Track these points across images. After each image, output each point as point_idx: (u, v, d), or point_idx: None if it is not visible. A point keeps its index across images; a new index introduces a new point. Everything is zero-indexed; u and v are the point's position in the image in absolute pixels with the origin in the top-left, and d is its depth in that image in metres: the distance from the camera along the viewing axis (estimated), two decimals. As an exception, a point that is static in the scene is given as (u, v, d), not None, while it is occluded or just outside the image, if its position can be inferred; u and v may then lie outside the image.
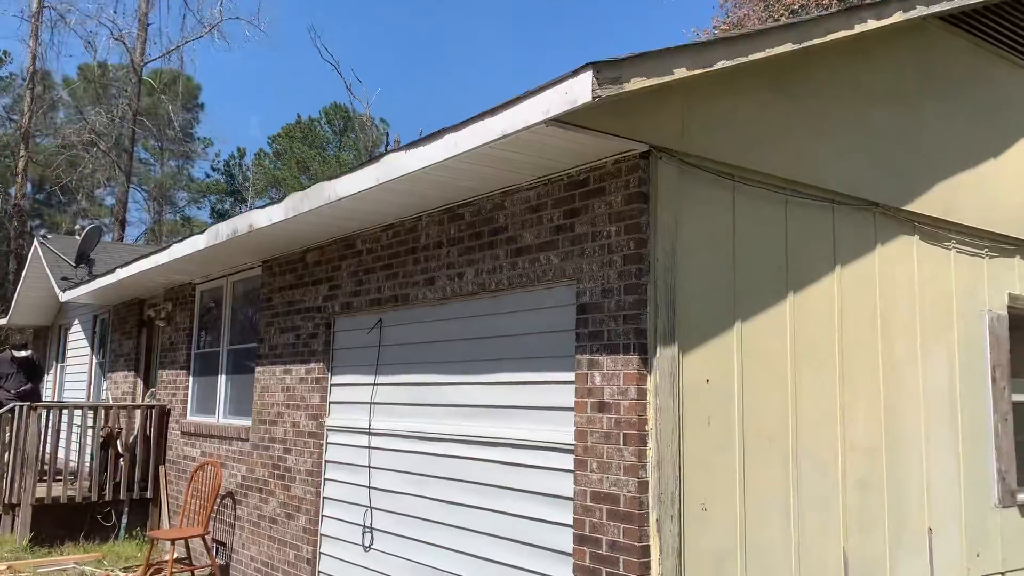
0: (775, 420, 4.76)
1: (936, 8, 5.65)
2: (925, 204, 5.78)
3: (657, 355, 4.26)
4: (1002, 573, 5.95)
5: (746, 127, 4.82)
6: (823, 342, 5.09)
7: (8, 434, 9.79)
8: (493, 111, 4.22)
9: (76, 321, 15.59)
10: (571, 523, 4.51)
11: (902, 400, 5.50)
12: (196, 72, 54.73)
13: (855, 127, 5.46)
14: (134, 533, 9.88)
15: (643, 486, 4.16)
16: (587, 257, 4.61)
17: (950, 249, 6.01)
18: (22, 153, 31.32)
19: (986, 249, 6.27)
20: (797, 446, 4.83)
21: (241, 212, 7.19)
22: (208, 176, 50.19)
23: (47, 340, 18.40)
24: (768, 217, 4.92)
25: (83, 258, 13.90)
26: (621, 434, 4.27)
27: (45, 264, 14.62)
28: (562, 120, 3.96)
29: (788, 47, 4.51)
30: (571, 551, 4.48)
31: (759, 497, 4.61)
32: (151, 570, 8.07)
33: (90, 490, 9.73)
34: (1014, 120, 6.64)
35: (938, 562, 5.50)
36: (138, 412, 10.28)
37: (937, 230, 5.90)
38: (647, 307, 4.28)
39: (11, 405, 9.96)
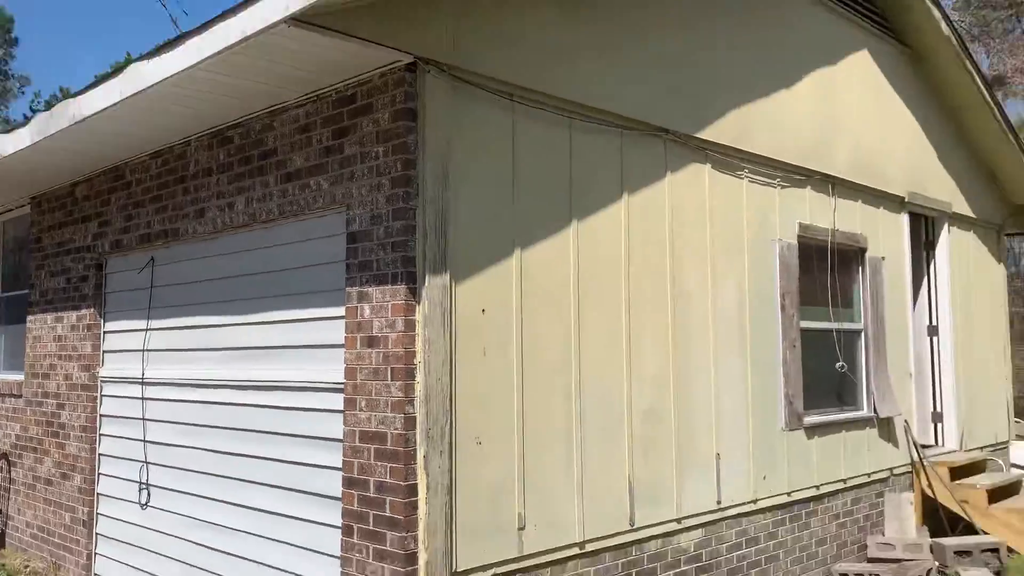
0: (558, 350, 4.62)
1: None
2: (717, 132, 5.76)
3: (427, 284, 3.98)
4: (788, 493, 6.18)
5: (528, 45, 4.55)
6: (610, 271, 4.98)
7: None
8: (235, 10, 3.74)
9: None
10: (341, 466, 4.21)
11: (692, 329, 5.51)
12: (2, -1, 49.14)
13: (647, 51, 5.32)
14: (-99, 505, 8.83)
15: (410, 422, 3.91)
16: (356, 181, 4.24)
17: (742, 178, 6.05)
18: None
19: (778, 179, 6.37)
20: (581, 376, 4.72)
21: None
22: (27, 117, 45.73)
23: None
24: (552, 141, 4.70)
25: None
26: (389, 369, 3.99)
27: None
28: (307, 20, 3.54)
29: (565, -44, 4.25)
30: (341, 495, 4.20)
31: (540, 429, 4.47)
32: (-90, 545, 7.21)
33: None
34: (807, 51, 6.74)
35: (725, 486, 5.61)
36: (-97, 371, 9.12)
37: (729, 159, 5.91)
38: (416, 233, 3.98)
39: None
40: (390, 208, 4.05)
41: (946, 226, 8.57)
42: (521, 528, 4.33)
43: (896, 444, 7.49)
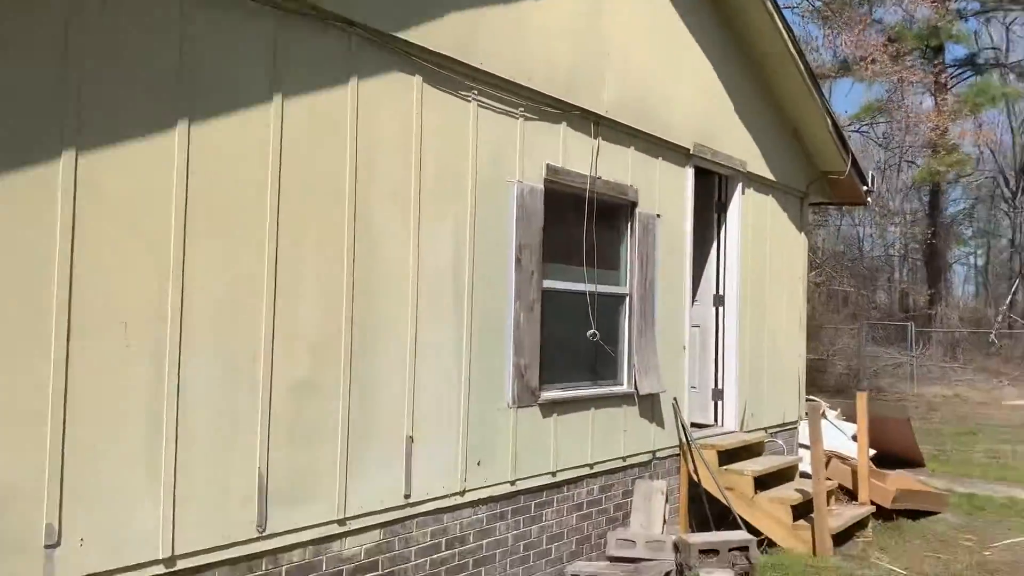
0: (140, 297, 3.35)
1: None
2: (432, 37, 4.59)
3: None
4: (512, 481, 5.21)
5: None
6: (247, 197, 3.75)
7: None
8: None
9: None
10: None
11: (381, 281, 4.37)
12: None
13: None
14: None
15: None
16: None
17: (470, 101, 4.92)
18: None
19: (521, 109, 5.30)
20: (184, 334, 3.48)
21: None
22: None
23: None
24: (148, 8, 3.39)
25: None
26: None
27: None
28: None
29: None
30: None
31: (101, 404, 3.21)
32: None
33: None
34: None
35: (419, 475, 4.55)
36: None
37: (451, 74, 4.77)
38: None
39: None
40: None
41: (740, 187, 7.83)
42: (53, 545, 3.07)
43: (662, 424, 6.70)
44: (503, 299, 5.16)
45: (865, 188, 9.37)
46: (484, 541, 5.02)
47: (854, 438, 9.73)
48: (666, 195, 6.75)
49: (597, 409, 5.97)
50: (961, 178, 36.55)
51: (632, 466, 6.36)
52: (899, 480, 8.11)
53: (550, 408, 5.52)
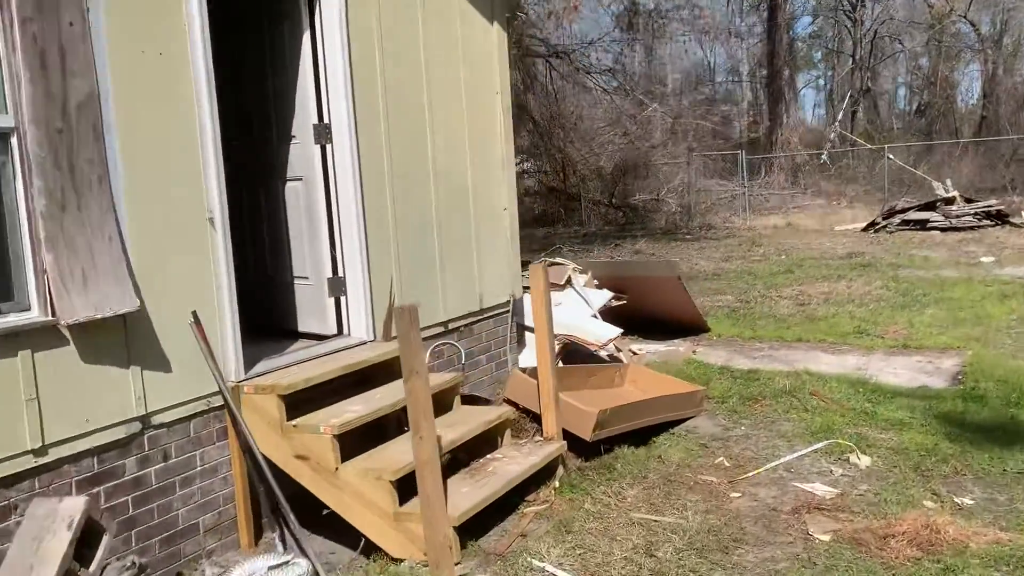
0: None
1: None
2: None
3: None
4: None
5: None
6: None
7: None
8: None
9: None
10: None
11: None
12: None
13: None
14: None
15: None
16: None
17: None
18: None
19: None
20: None
21: None
22: None
23: None
24: None
25: None
26: None
27: None
28: None
29: None
30: None
31: None
32: None
33: None
34: None
35: None
36: None
37: None
38: None
39: None
40: None
41: (333, -67, 4.58)
42: None
43: (167, 365, 3.73)
44: None
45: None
46: None
47: (605, 314, 7.15)
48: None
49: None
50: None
51: (77, 457, 3.39)
52: (637, 373, 5.53)
53: None
